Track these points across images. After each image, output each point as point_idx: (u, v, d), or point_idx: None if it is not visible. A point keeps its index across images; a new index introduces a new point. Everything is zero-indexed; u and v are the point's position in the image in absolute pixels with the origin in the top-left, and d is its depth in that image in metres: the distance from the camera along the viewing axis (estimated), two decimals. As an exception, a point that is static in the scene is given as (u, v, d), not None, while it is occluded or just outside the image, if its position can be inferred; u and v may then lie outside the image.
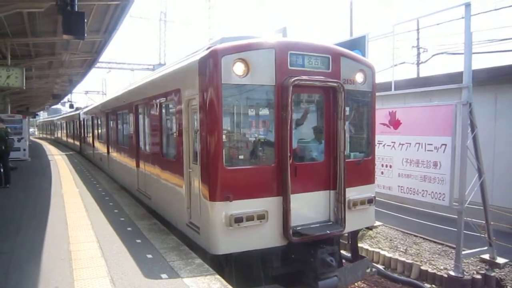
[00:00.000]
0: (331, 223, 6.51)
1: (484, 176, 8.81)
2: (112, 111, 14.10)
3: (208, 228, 5.89)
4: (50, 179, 14.28)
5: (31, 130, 56.65)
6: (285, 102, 5.92)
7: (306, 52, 6.30)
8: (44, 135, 59.18)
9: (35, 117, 56.29)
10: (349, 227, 6.61)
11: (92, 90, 44.57)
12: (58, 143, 39.77)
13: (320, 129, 6.73)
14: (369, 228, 8.47)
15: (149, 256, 6.04)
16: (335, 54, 6.60)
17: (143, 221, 8.21)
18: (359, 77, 6.89)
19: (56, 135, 45.66)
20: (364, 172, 7.04)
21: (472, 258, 9.05)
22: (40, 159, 22.45)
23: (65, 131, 36.19)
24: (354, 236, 7.67)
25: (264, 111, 6.54)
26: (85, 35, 8.52)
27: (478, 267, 8.84)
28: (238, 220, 5.63)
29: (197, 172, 6.21)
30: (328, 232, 6.21)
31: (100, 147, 17.05)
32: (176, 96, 7.08)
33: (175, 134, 7.53)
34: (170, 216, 7.85)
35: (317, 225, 6.36)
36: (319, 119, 6.90)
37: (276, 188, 5.98)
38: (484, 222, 9.01)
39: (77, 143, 27.07)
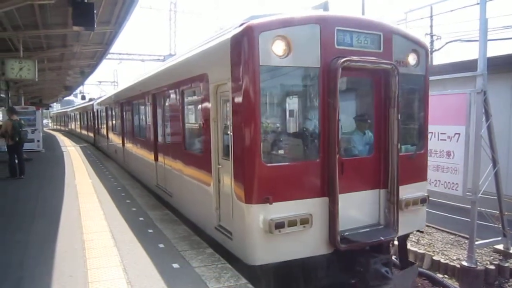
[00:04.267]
0: (381, 226, 5.75)
1: (498, 166, 8.67)
2: (127, 101, 13.48)
3: (243, 234, 5.15)
4: (63, 170, 14.49)
5: (44, 121, 57.43)
6: (332, 87, 5.10)
7: (355, 28, 5.43)
8: (58, 127, 59.75)
9: (48, 109, 57.08)
10: (401, 230, 5.81)
11: (105, 81, 44.91)
12: (71, 135, 40.05)
13: (363, 118, 6.04)
14: (420, 231, 7.51)
15: (161, 245, 6.10)
16: (387, 32, 5.70)
17: (154, 211, 8.29)
18: (411, 59, 6.02)
19: (69, 127, 45.77)
20: (416, 168, 6.23)
21: (485, 249, 8.94)
22: (54, 150, 22.76)
23: (78, 123, 36.03)
24: (404, 240, 6.79)
25: (307, 98, 5.78)
26: (95, 26, 8.58)
27: (492, 257, 8.74)
28: (279, 225, 4.85)
29: (229, 169, 5.45)
30: (382, 238, 5.47)
31: (115, 139, 16.52)
32: (202, 82, 6.31)
33: (200, 125, 6.79)
34: (195, 217, 7.12)
35: (367, 229, 5.59)
36: (363, 107, 6.19)
37: (321, 187, 5.23)
38: (498, 212, 8.88)
39: (91, 134, 26.62)
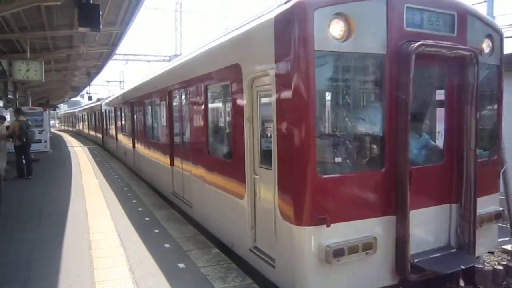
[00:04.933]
0: (454, 250, 4.72)
1: (506, 165, 8.58)
2: (138, 100, 12.46)
3: (290, 263, 4.20)
4: (70, 170, 14.58)
5: (51, 122, 57.85)
6: (403, 78, 4.13)
7: (426, 6, 4.43)
8: (66, 127, 59.98)
9: (55, 110, 57.50)
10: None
11: (114, 80, 45.12)
12: (79, 136, 40.01)
13: (420, 118, 5.03)
14: (491, 253, 6.53)
15: (167, 245, 6.11)
16: (461, 11, 4.67)
17: (160, 211, 8.30)
18: (486, 46, 5.01)
19: (77, 127, 45.70)
20: (490, 177, 5.24)
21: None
22: (61, 151, 22.92)
23: (86, 123, 35.65)
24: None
25: (370, 93, 4.79)
26: (101, 27, 8.59)
27: (500, 257, 8.66)
28: (338, 253, 3.91)
29: (270, 180, 4.50)
30: (462, 266, 4.47)
31: (125, 140, 15.70)
32: (233, 74, 5.24)
33: (229, 125, 5.88)
34: (223, 234, 6.10)
35: (438, 254, 4.56)
36: (421, 103, 5.06)
37: (386, 203, 4.28)
38: (506, 211, 8.79)
39: (99, 135, 26.06)
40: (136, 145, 13.34)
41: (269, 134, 4.78)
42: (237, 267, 5.23)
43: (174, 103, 8.57)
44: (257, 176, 4.92)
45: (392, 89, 4.21)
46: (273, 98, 4.33)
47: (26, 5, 9.83)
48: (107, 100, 22.64)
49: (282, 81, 4.15)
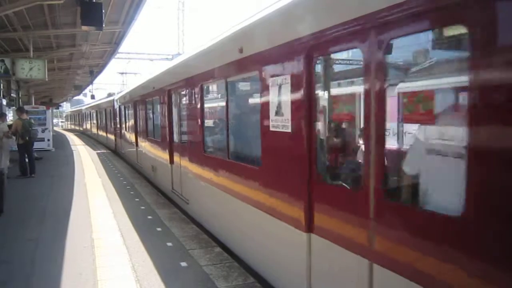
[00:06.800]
0: None
1: None
2: (184, 85, 7.75)
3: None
4: (73, 168, 14.61)
5: (54, 121, 57.92)
6: None
7: None
8: (73, 127, 57.21)
9: (58, 108, 57.57)
10: None
11: (129, 72, 43.99)
12: (89, 137, 35.80)
13: None
14: None
15: (169, 244, 6.12)
16: None
17: (163, 210, 8.31)
18: None
19: (84, 127, 42.16)
20: None
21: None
22: (64, 149, 22.98)
23: (95, 123, 31.48)
24: None
25: None
26: (104, 26, 8.61)
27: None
28: None
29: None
30: None
31: (151, 149, 11.28)
32: None
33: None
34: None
35: None
36: None
37: None
38: None
39: (111, 137, 21.95)
40: (175, 156, 8.85)
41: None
42: (239, 266, 5.22)
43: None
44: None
45: None
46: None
47: (29, 3, 9.88)
48: (122, 94, 18.06)
49: None
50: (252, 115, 5.45)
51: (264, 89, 4.33)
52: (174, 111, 8.88)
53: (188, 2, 74.99)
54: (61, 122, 77.76)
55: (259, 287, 4.66)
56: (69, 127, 63.02)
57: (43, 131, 19.95)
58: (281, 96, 4.06)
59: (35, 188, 11.08)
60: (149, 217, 7.75)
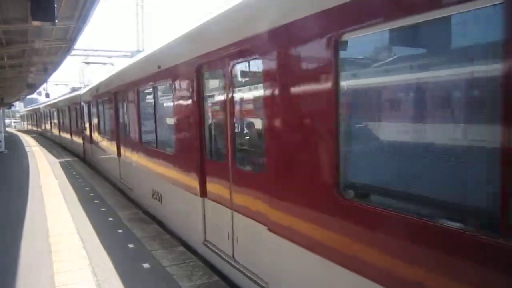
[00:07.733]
0: None
1: None
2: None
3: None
4: (28, 171, 13.96)
5: (7, 121, 54.90)
6: None
7: None
8: (30, 127, 52.73)
9: (10, 108, 54.74)
10: None
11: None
12: (47, 139, 33.12)
13: None
14: None
15: (131, 245, 5.99)
16: None
17: (124, 211, 8.11)
18: None
19: (43, 127, 38.13)
20: None
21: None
22: (18, 150, 21.90)
23: (56, 124, 28.36)
24: None
25: None
26: (57, 21, 8.23)
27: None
28: None
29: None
30: None
31: (139, 160, 8.37)
32: None
33: None
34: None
35: None
36: None
37: None
38: None
39: (78, 141, 18.39)
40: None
41: None
42: (203, 265, 5.19)
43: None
44: None
45: None
46: None
47: (-26, -3, 9.29)
48: (92, 86, 15.57)
49: None
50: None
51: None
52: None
53: (149, -2, 72.58)
54: (14, 122, 74.02)
55: (223, 285, 4.65)
56: (25, 128, 59.64)
57: (-6, 132, 18.95)
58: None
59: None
60: (110, 219, 7.56)
